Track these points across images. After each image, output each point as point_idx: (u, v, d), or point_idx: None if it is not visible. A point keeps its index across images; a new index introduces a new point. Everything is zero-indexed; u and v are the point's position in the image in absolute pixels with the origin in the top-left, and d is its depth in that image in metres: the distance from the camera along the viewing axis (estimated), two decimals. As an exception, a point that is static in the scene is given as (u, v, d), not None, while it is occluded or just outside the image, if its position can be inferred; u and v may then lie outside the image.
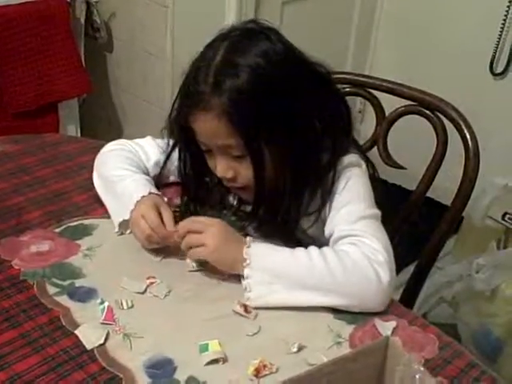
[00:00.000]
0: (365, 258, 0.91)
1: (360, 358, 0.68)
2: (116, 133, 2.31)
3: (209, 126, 0.95)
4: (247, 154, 0.97)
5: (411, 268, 1.34)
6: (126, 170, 1.08)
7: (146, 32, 2.11)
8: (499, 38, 2.26)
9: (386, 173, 1.21)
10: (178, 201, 1.11)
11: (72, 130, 2.16)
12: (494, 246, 1.96)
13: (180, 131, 1.03)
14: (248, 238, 0.94)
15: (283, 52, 0.96)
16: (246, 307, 0.90)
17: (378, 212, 1.01)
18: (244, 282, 0.91)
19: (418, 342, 0.86)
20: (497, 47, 2.28)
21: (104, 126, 2.36)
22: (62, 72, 2.03)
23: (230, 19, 2.08)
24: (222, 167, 0.99)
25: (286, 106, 0.94)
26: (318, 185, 1.00)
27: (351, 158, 1.03)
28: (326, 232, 1.00)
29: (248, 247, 0.92)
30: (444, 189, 1.49)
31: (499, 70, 2.32)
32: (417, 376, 0.62)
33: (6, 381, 0.77)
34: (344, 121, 1.03)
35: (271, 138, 0.96)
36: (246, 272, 0.91)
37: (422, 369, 0.64)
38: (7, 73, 1.94)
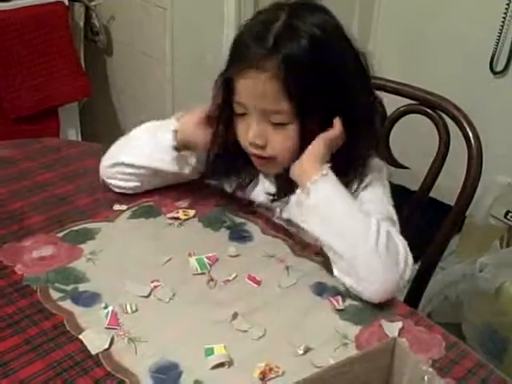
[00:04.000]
0: (404, 253, 0.93)
1: (367, 359, 0.67)
2: (116, 136, 2.31)
3: (259, 87, 0.94)
4: (291, 122, 0.96)
5: (415, 268, 1.34)
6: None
7: (145, 35, 2.11)
8: (499, 37, 2.25)
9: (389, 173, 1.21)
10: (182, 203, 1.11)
11: (72, 133, 2.16)
12: (497, 244, 1.96)
13: (224, 88, 1.01)
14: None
15: (338, 27, 0.98)
16: (254, 278, 0.93)
17: (396, 217, 1.02)
18: (309, 185, 0.93)
19: (424, 342, 0.85)
20: (497, 46, 2.27)
21: (104, 129, 2.36)
22: (61, 76, 2.04)
23: (229, 21, 2.07)
24: (255, 132, 0.98)
25: (337, 78, 0.95)
26: (347, 173, 1.00)
27: (376, 159, 1.05)
28: None
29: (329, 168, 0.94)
30: (447, 189, 1.49)
31: (499, 68, 2.31)
32: (426, 378, 0.62)
33: (10, 387, 0.76)
34: (377, 119, 1.05)
35: (319, 109, 0.96)
36: (314, 179, 0.93)
37: (430, 370, 0.63)
38: (7, 78, 1.94)
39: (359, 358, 0.68)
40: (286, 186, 1.04)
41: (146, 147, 1.09)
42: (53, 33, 1.97)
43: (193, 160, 1.09)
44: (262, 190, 1.10)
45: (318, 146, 0.97)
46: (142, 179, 1.11)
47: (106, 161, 1.13)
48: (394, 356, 0.67)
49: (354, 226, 0.92)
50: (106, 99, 2.33)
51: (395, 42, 2.58)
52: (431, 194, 1.30)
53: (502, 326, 1.80)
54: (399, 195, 1.13)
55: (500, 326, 1.81)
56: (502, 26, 2.23)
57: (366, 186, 1.01)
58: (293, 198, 0.98)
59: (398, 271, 0.91)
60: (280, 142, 0.99)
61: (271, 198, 1.07)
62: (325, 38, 0.95)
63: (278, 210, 1.07)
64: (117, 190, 1.13)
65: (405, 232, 1.30)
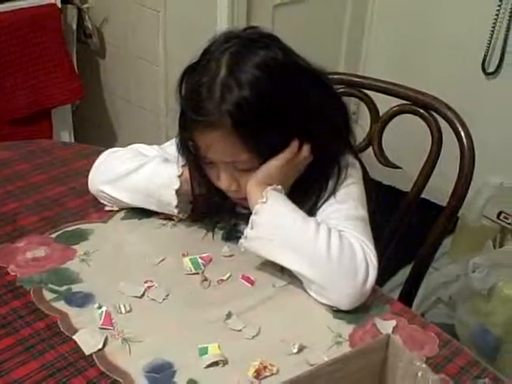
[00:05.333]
0: (362, 253, 0.91)
1: (361, 356, 0.67)
2: (109, 138, 2.31)
3: (217, 144, 0.94)
4: (256, 166, 0.97)
5: (408, 269, 1.34)
6: (135, 162, 1.07)
7: (138, 37, 2.11)
8: (490, 38, 2.27)
9: (381, 174, 1.21)
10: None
11: (65, 136, 2.16)
12: (490, 245, 1.96)
13: (187, 148, 1.01)
14: (276, 186, 0.96)
15: (284, 60, 0.95)
16: (249, 278, 0.94)
17: (367, 215, 1.01)
18: (251, 217, 0.94)
19: (418, 340, 0.85)
20: (488, 47, 2.29)
21: (97, 131, 2.36)
22: (54, 78, 2.04)
23: (222, 23, 2.08)
24: (226, 181, 0.99)
25: (291, 115, 0.94)
26: (316, 185, 1.01)
27: (347, 158, 1.03)
28: None
29: (273, 189, 0.95)
30: (439, 190, 1.49)
31: (491, 69, 2.33)
32: (419, 373, 0.62)
33: (4, 388, 0.76)
34: (342, 123, 1.03)
35: (281, 145, 0.96)
36: (256, 208, 0.93)
37: (424, 366, 0.63)
38: (0, 80, 1.94)
39: (353, 355, 0.68)
40: None
41: (144, 194, 1.06)
42: (46, 35, 1.97)
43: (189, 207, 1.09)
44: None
45: (261, 170, 0.97)
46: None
47: (94, 185, 1.11)
48: (388, 352, 0.67)
49: (302, 243, 0.92)
50: (99, 101, 2.33)
51: (388, 43, 2.60)
52: (423, 195, 1.30)
53: (495, 325, 1.81)
54: (391, 196, 1.13)
55: (493, 326, 1.81)
56: (494, 28, 2.25)
57: (340, 184, 1.01)
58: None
59: (359, 273, 0.90)
60: None
61: None
62: (269, 79, 0.93)
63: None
64: None
65: (397, 233, 1.31)
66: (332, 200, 1.00)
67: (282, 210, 0.95)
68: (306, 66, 0.99)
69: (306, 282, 0.93)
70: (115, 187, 1.08)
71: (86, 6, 2.10)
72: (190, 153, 1.02)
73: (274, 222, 0.94)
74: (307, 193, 1.01)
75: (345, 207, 0.99)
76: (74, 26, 2.10)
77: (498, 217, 2.09)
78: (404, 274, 1.35)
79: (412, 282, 1.32)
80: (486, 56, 2.31)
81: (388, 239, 1.33)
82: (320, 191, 1.01)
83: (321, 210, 1.00)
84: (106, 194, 1.09)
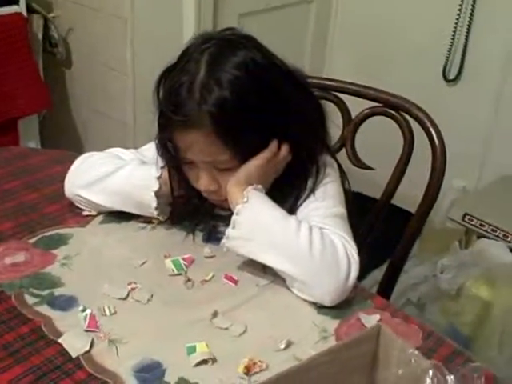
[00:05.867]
0: (343, 249, 0.92)
1: (352, 346, 0.69)
2: (76, 148, 2.28)
3: (197, 144, 0.95)
4: (236, 166, 0.98)
5: (377, 274, 1.35)
6: (112, 165, 1.07)
7: (106, 46, 2.10)
8: (451, 46, 2.33)
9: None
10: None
11: (32, 145, 2.13)
12: (456, 246, 2.01)
13: (166, 149, 1.02)
14: (257, 186, 0.96)
15: (262, 61, 0.97)
16: (232, 277, 0.95)
17: (346, 212, 1.03)
18: (233, 217, 0.94)
19: (402, 333, 0.87)
20: (449, 54, 2.35)
21: (65, 141, 2.33)
22: (21, 88, 2.01)
23: (188, 31, 2.09)
24: (205, 181, 1.00)
25: (270, 114, 0.96)
26: (295, 184, 1.02)
27: (324, 157, 1.05)
28: None
29: (254, 189, 0.95)
30: (406, 195, 1.52)
31: (452, 76, 2.39)
32: (413, 360, 0.63)
33: (-10, 392, 0.75)
34: (319, 123, 1.05)
35: (260, 145, 0.97)
36: (238, 208, 0.94)
37: (416, 353, 0.65)
38: (-37, 90, 1.91)
39: (344, 346, 0.69)
40: None
41: (122, 196, 1.06)
42: (11, 44, 1.94)
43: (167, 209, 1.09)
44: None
45: (242, 170, 0.98)
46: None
47: (70, 189, 1.10)
48: (379, 342, 0.68)
49: (284, 241, 0.93)
50: (67, 111, 2.30)
51: (350, 51, 2.64)
52: (392, 201, 1.32)
53: (464, 325, 1.85)
54: (359, 202, 1.15)
55: (462, 326, 1.85)
56: (454, 35, 2.31)
57: (319, 183, 1.03)
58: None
59: (341, 269, 0.91)
60: None
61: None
62: (248, 79, 0.95)
63: None
64: None
65: (368, 237, 1.33)
66: (311, 198, 1.02)
67: (263, 208, 0.96)
68: (283, 67, 1.01)
69: (289, 279, 0.94)
70: (92, 191, 1.08)
71: (51, 15, 2.08)
72: (170, 154, 1.02)
73: (255, 221, 0.95)
74: (287, 192, 1.02)
75: (324, 205, 1.01)
76: (40, 36, 2.08)
77: (463, 219, 2.14)
78: (373, 277, 1.37)
79: (384, 286, 1.34)
80: (446, 63, 2.38)
81: (359, 244, 1.35)
82: (299, 190, 1.02)
83: (301, 209, 1.01)
84: (83, 197, 1.08)
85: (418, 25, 2.42)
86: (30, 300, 0.90)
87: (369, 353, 0.68)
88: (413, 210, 1.30)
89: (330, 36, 2.65)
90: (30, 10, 2.02)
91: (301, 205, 1.02)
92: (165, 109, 0.97)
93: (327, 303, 0.91)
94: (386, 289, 1.34)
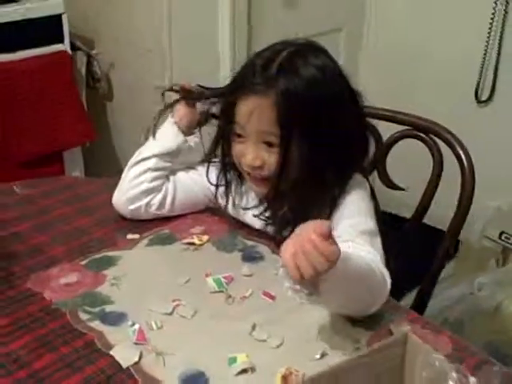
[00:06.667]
0: (379, 271, 0.96)
1: (382, 351, 0.73)
2: (119, 177, 2.38)
3: (259, 111, 1.03)
4: (278, 146, 1.05)
5: (413, 294, 1.38)
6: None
7: (144, 80, 2.20)
8: (482, 66, 2.36)
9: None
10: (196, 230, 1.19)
11: (76, 175, 2.23)
12: (493, 264, 2.02)
13: (227, 115, 1.10)
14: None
15: (337, 71, 1.08)
16: (269, 294, 1.00)
17: (377, 229, 1.07)
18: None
19: (430, 341, 0.90)
20: (481, 75, 2.38)
21: (108, 172, 2.43)
22: (65, 121, 2.12)
23: (225, 66, 2.18)
24: (253, 154, 1.07)
25: (328, 117, 1.04)
26: (328, 195, 1.07)
27: (358, 176, 1.11)
28: None
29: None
30: (438, 215, 1.55)
31: (484, 97, 2.42)
32: (436, 363, 0.68)
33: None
34: (364, 147, 1.12)
35: (305, 139, 1.04)
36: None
37: (441, 356, 0.69)
38: (13, 124, 2.02)
39: (373, 350, 0.74)
40: (274, 205, 1.13)
41: (153, 142, 1.26)
42: (57, 80, 2.06)
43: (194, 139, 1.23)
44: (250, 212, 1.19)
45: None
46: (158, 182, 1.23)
47: (119, 198, 1.24)
48: (406, 347, 0.73)
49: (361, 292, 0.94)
50: (109, 142, 2.41)
51: (381, 75, 2.68)
52: (424, 220, 1.36)
53: (503, 343, 1.84)
54: (390, 222, 1.18)
55: (501, 344, 1.85)
56: (485, 56, 2.34)
57: (349, 201, 1.08)
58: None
59: (384, 294, 0.96)
60: (274, 163, 1.07)
61: (265, 222, 1.16)
62: (322, 80, 1.05)
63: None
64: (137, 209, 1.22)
65: (400, 258, 1.35)
66: (342, 216, 1.06)
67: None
68: (351, 84, 1.10)
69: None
70: (134, 159, 1.28)
71: (94, 52, 2.20)
72: (226, 122, 1.10)
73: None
74: (319, 210, 1.07)
75: (355, 222, 1.05)
76: (84, 71, 2.19)
77: (500, 237, 2.15)
78: (409, 298, 1.40)
79: (416, 309, 1.36)
80: (478, 85, 2.40)
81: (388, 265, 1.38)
82: (331, 207, 1.07)
83: (334, 226, 1.06)
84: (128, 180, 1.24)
85: (447, 47, 2.46)
86: (84, 316, 0.97)
87: (397, 358, 0.73)
88: (444, 228, 1.33)
89: (360, 63, 2.70)
90: (74, 47, 2.15)
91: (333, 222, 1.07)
92: (238, 75, 1.07)
93: (362, 317, 0.96)
94: (418, 309, 1.37)
